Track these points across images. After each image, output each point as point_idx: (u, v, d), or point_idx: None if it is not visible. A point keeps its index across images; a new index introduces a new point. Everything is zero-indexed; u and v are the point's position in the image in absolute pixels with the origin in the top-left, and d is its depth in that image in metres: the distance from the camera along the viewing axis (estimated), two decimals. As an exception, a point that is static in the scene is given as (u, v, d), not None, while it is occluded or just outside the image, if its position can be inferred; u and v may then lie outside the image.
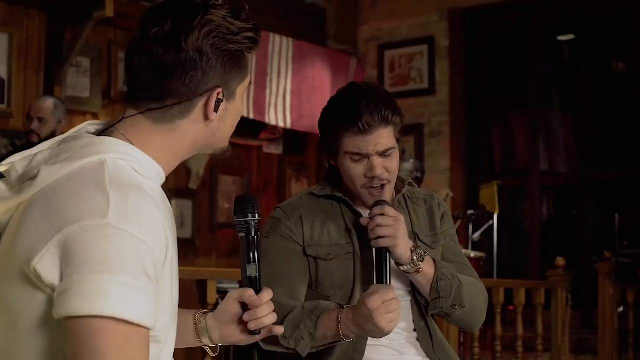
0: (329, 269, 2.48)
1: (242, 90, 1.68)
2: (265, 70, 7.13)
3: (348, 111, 2.41)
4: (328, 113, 2.51)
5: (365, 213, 2.49)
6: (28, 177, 1.55)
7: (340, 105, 2.48)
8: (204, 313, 1.92)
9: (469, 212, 6.90)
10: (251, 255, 1.86)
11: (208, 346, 1.93)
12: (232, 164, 7.54)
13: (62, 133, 1.68)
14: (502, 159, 8.31)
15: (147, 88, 1.59)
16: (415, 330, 2.54)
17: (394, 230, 2.37)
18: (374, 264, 2.45)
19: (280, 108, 7.23)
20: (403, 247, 2.38)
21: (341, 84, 7.49)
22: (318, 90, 7.50)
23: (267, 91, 7.15)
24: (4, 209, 1.59)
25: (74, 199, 1.46)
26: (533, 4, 7.61)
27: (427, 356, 2.52)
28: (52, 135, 5.25)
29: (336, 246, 2.49)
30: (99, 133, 1.63)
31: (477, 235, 6.89)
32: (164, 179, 1.64)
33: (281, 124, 7.30)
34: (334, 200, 2.55)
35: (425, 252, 2.42)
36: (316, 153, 8.12)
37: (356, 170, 2.45)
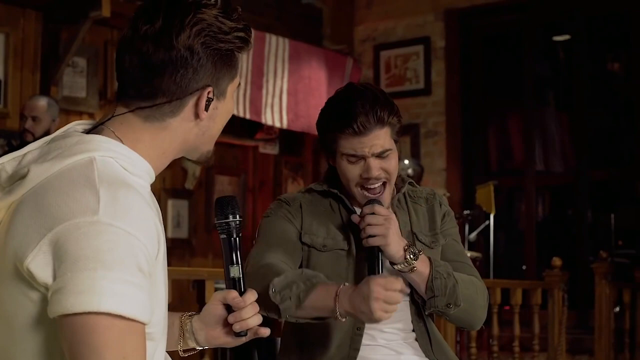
0: (320, 260, 2.48)
1: (232, 90, 1.68)
2: (262, 71, 7.13)
3: (344, 112, 2.42)
4: (325, 114, 2.52)
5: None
6: (18, 177, 1.55)
7: (336, 106, 2.48)
8: (189, 315, 1.91)
9: (465, 212, 6.90)
10: (234, 256, 1.84)
11: (183, 350, 1.92)
12: (228, 164, 7.54)
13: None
14: (498, 159, 8.31)
15: (137, 86, 1.59)
16: (413, 330, 2.53)
17: (385, 229, 2.36)
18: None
19: (276, 108, 7.23)
20: (394, 245, 2.37)
21: (337, 84, 7.58)
22: (314, 90, 7.51)
23: (264, 91, 7.15)
24: None
25: (64, 197, 1.46)
26: (529, 5, 7.62)
27: (426, 356, 2.51)
28: (47, 133, 5.24)
29: (332, 240, 2.50)
30: (89, 131, 1.63)
31: (473, 235, 6.90)
32: (153, 178, 1.64)
33: (277, 124, 7.30)
34: (332, 198, 2.56)
35: (420, 251, 2.41)
36: (312, 153, 8.13)
37: (353, 171, 2.45)
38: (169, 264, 1.67)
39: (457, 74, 7.90)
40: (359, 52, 8.24)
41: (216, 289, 4.50)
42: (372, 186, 2.45)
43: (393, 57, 8.07)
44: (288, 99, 7.31)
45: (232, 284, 1.84)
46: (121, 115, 1.61)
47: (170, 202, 7.00)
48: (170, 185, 7.06)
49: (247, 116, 7.04)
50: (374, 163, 2.42)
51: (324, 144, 2.51)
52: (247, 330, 1.85)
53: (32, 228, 1.45)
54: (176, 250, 6.92)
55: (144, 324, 1.45)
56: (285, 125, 7.32)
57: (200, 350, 1.96)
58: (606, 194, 7.69)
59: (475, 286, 2.54)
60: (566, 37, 7.90)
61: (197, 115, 1.62)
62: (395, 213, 2.51)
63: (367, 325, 2.48)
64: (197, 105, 1.61)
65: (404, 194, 2.61)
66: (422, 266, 2.40)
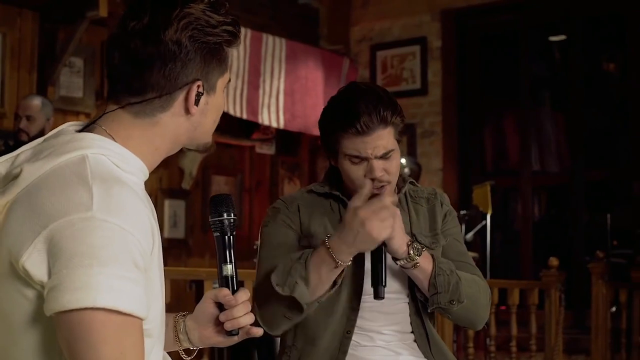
0: None
1: (223, 85, 1.68)
2: (259, 71, 7.13)
3: (346, 112, 2.40)
4: (327, 114, 2.50)
5: None
6: (11, 177, 1.56)
7: (339, 106, 2.46)
8: (183, 315, 1.91)
9: (462, 212, 6.90)
10: (227, 254, 1.84)
11: (183, 350, 1.92)
12: (224, 164, 7.54)
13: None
14: (494, 159, 8.32)
15: (127, 82, 1.60)
16: (412, 331, 2.52)
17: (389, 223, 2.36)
18: (364, 265, 2.44)
19: (273, 108, 7.23)
20: (399, 240, 2.36)
21: (334, 85, 7.60)
22: (311, 90, 7.51)
23: (260, 91, 7.15)
24: None
25: (58, 194, 1.46)
26: (525, 5, 7.63)
27: (424, 357, 2.51)
28: (41, 133, 5.25)
29: None
30: (81, 130, 1.63)
31: (470, 235, 6.91)
32: (147, 176, 1.64)
33: (274, 124, 7.30)
34: (332, 199, 2.55)
35: (423, 247, 2.41)
36: (309, 153, 8.13)
37: (356, 172, 2.43)
38: (165, 264, 1.68)
39: (454, 74, 7.91)
40: (355, 52, 8.24)
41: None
42: (375, 187, 2.42)
43: (389, 57, 8.08)
44: (285, 99, 7.31)
45: (225, 282, 1.84)
46: (112, 113, 1.62)
47: (166, 202, 7.00)
48: (166, 185, 7.05)
49: (244, 116, 7.04)
50: (377, 164, 2.40)
51: (326, 144, 2.49)
52: (238, 329, 1.84)
53: (26, 226, 1.46)
54: (173, 250, 6.91)
55: (141, 319, 1.45)
56: (281, 125, 7.32)
57: (199, 350, 1.96)
58: (602, 194, 7.70)
59: (478, 285, 2.54)
60: (562, 37, 7.92)
61: (187, 110, 1.63)
62: None
63: (366, 327, 2.48)
64: (187, 99, 1.62)
65: (404, 194, 2.60)
66: (425, 262, 2.40)
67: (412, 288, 2.50)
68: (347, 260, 2.30)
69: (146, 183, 1.66)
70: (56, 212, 1.44)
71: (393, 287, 2.47)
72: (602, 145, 7.72)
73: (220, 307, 1.85)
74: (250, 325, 1.85)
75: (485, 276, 6.67)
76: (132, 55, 1.58)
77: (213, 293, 1.86)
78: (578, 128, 7.53)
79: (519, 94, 7.77)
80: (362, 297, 2.47)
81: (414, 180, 2.68)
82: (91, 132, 1.60)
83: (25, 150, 1.60)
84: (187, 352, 1.93)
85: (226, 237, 1.85)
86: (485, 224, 6.91)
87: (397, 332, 2.50)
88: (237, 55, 6.94)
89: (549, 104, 8.28)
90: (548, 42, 8.12)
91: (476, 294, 2.51)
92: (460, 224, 6.87)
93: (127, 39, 1.59)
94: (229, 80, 1.73)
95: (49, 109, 5.47)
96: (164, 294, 1.65)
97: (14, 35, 6.14)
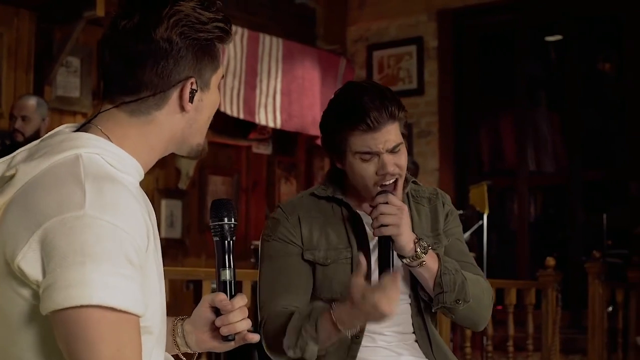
0: (327, 273, 2.46)
1: (216, 81, 1.69)
2: (255, 70, 7.13)
3: (354, 109, 2.36)
4: (331, 113, 2.46)
5: (366, 217, 2.46)
6: (7, 178, 1.56)
7: (343, 104, 2.42)
8: (181, 319, 1.91)
9: (459, 212, 6.89)
10: (226, 259, 1.83)
11: (183, 353, 1.91)
12: (221, 164, 7.54)
13: (47, 131, 1.70)
14: (491, 160, 8.33)
15: (120, 81, 1.61)
16: (413, 332, 2.51)
17: (398, 219, 2.34)
18: (370, 271, 2.42)
19: (270, 108, 7.24)
20: (406, 236, 2.35)
21: (330, 85, 7.60)
22: (308, 90, 7.51)
23: (257, 91, 7.15)
24: None
25: (51, 193, 1.47)
26: (521, 5, 7.64)
27: (426, 357, 2.50)
28: (37, 133, 5.25)
29: (334, 250, 2.46)
30: (77, 130, 1.64)
31: (467, 235, 6.89)
32: (142, 175, 1.64)
33: (271, 124, 7.30)
34: (334, 203, 2.52)
35: (428, 245, 2.39)
36: (305, 153, 8.13)
37: (368, 170, 2.39)
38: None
39: (450, 74, 7.92)
40: (352, 52, 8.24)
41: (213, 290, 4.50)
42: (387, 182, 2.40)
43: (386, 57, 8.08)
44: (281, 99, 7.31)
45: (223, 287, 1.83)
46: (107, 112, 1.62)
47: (163, 202, 7.00)
48: (163, 186, 7.05)
49: (241, 116, 7.04)
50: (388, 158, 2.37)
51: (331, 145, 2.45)
52: (235, 334, 1.83)
53: (21, 226, 1.46)
54: (169, 251, 6.91)
55: (137, 316, 1.45)
56: (278, 125, 7.32)
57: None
58: (598, 194, 7.71)
59: (481, 285, 2.53)
60: (558, 37, 7.93)
61: (182, 108, 1.63)
62: None
63: (367, 328, 2.47)
64: (181, 97, 1.62)
65: (407, 194, 2.58)
66: (430, 261, 2.38)
67: (414, 288, 2.49)
68: (354, 331, 2.29)
69: (142, 183, 1.66)
70: (50, 211, 1.44)
71: None
72: (599, 146, 7.73)
73: (217, 312, 1.84)
74: (247, 331, 1.84)
75: (482, 276, 6.70)
76: (124, 54, 1.59)
77: (210, 297, 1.85)
78: (574, 128, 7.54)
79: (515, 94, 7.78)
80: None
81: (416, 180, 2.67)
82: (87, 132, 1.61)
83: (21, 151, 1.61)
84: (187, 355, 1.92)
85: (226, 242, 1.84)
86: (482, 224, 6.91)
87: (398, 332, 2.49)
88: (234, 55, 6.94)
89: (545, 104, 8.28)
90: (544, 42, 8.13)
91: (480, 295, 2.50)
92: (458, 224, 6.89)
93: (118, 38, 1.60)
94: (223, 77, 1.73)
95: (44, 109, 5.46)
96: (164, 292, 1.65)
97: (11, 35, 6.13)
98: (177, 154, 1.73)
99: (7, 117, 5.93)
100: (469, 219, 7.01)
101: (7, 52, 6.08)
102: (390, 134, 2.37)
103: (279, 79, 7.31)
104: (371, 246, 2.48)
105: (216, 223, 1.85)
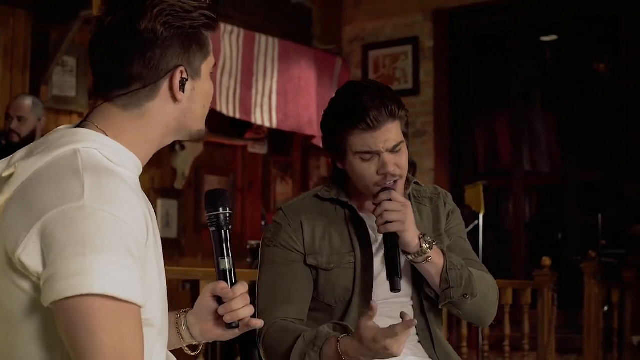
0: (329, 278, 2.45)
1: (208, 69, 1.69)
2: (251, 70, 7.13)
3: (353, 109, 2.36)
4: (331, 114, 2.45)
5: (370, 220, 2.45)
6: (7, 177, 1.57)
7: (343, 104, 2.42)
8: (184, 311, 1.92)
9: (455, 211, 6.90)
10: (224, 248, 1.85)
11: (187, 345, 1.92)
12: (217, 163, 7.54)
13: (43, 131, 1.71)
14: (486, 159, 8.34)
15: (111, 76, 1.62)
16: (417, 333, 2.50)
17: (402, 215, 2.33)
18: (373, 273, 2.42)
19: (266, 108, 7.23)
20: (411, 232, 2.34)
21: (326, 84, 7.60)
22: (304, 90, 7.52)
23: (253, 91, 7.15)
24: None
25: (50, 187, 1.48)
26: (516, 5, 7.65)
27: (429, 358, 2.49)
28: (33, 133, 5.25)
29: (337, 255, 2.45)
30: (74, 128, 1.65)
31: (463, 235, 6.90)
32: (140, 170, 1.66)
33: (267, 124, 7.30)
34: (338, 205, 2.51)
35: (433, 241, 2.39)
36: (301, 153, 8.13)
37: (368, 169, 2.38)
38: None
39: (446, 74, 7.92)
40: (347, 52, 8.24)
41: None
42: (388, 182, 2.39)
43: (381, 57, 8.08)
44: (277, 99, 7.31)
45: (223, 276, 1.85)
46: (102, 109, 1.64)
47: (159, 202, 6.99)
48: (159, 185, 7.04)
49: (237, 116, 7.04)
50: (389, 158, 2.36)
51: (332, 145, 2.45)
52: (238, 321, 1.85)
53: (21, 220, 1.47)
54: (165, 250, 6.80)
55: (138, 306, 1.46)
56: (274, 124, 7.32)
57: (195, 350, 1.96)
58: (594, 194, 7.72)
59: (487, 281, 2.52)
60: (553, 37, 7.94)
61: (174, 98, 1.64)
62: None
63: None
64: (171, 86, 1.63)
65: (409, 194, 2.57)
66: (436, 257, 2.38)
67: (418, 288, 2.49)
68: None
69: (140, 182, 1.67)
70: (49, 203, 1.45)
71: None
72: (594, 146, 7.73)
73: (219, 300, 1.85)
74: (250, 317, 1.86)
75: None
76: (112, 49, 1.60)
77: (211, 286, 1.87)
78: (569, 128, 7.55)
79: (511, 94, 7.78)
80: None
81: (418, 181, 2.66)
82: (83, 128, 1.62)
83: (21, 151, 1.62)
84: (192, 348, 1.94)
85: (223, 231, 1.86)
86: (478, 224, 6.91)
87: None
88: (230, 54, 6.94)
89: (540, 104, 8.29)
90: (539, 42, 8.14)
91: (485, 291, 2.49)
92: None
93: (105, 34, 1.61)
94: (215, 64, 1.73)
95: (39, 108, 5.46)
96: (164, 287, 1.66)
97: (7, 34, 6.13)
98: (178, 139, 1.74)
99: (3, 117, 5.93)
100: (465, 219, 6.92)
101: (3, 51, 6.08)
102: (391, 133, 2.36)
103: (275, 79, 7.31)
104: (374, 249, 2.47)
105: (212, 213, 1.87)
